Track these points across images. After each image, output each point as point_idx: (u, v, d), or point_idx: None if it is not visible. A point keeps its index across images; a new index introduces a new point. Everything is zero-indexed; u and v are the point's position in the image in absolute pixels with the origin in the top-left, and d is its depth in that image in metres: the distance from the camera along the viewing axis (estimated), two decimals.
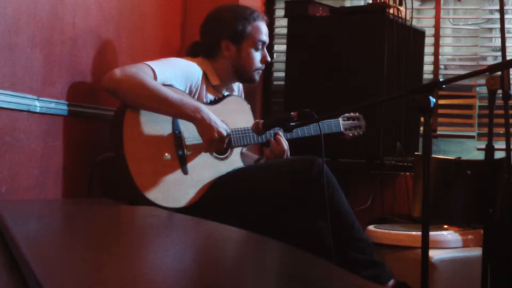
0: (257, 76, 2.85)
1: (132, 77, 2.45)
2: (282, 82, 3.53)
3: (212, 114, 2.54)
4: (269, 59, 2.85)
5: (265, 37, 2.82)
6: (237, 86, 2.97)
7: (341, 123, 2.88)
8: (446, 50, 3.99)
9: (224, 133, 2.54)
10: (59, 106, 2.55)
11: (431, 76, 3.65)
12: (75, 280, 1.04)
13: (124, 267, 1.16)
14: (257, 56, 2.81)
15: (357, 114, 2.94)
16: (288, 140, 2.80)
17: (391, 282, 2.62)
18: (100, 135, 2.77)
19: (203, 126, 2.51)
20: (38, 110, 2.43)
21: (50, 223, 1.86)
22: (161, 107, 2.48)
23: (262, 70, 2.87)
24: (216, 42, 2.79)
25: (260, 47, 2.81)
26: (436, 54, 3.66)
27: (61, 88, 2.58)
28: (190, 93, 2.65)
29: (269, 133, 2.69)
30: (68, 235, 1.59)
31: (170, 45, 3.42)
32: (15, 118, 2.34)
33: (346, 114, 2.91)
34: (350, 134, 2.90)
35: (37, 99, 2.43)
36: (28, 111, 2.39)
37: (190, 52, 2.86)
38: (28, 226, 1.71)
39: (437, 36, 3.66)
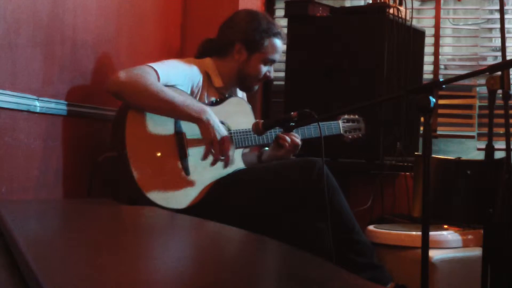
0: (256, 87, 2.86)
1: (136, 79, 2.45)
2: (282, 82, 3.53)
3: (215, 117, 2.53)
4: (272, 76, 2.86)
5: (277, 56, 2.82)
6: (241, 93, 2.98)
7: (341, 125, 2.88)
8: (446, 50, 3.99)
9: (226, 137, 2.54)
10: (59, 106, 2.55)
11: (431, 76, 3.65)
12: (75, 280, 1.04)
13: (125, 267, 1.16)
14: (263, 69, 2.81)
15: (357, 116, 2.94)
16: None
17: (391, 285, 2.62)
18: (100, 135, 2.77)
19: (207, 128, 2.51)
20: (38, 110, 2.43)
21: (50, 223, 1.86)
22: (165, 109, 2.49)
23: (261, 82, 2.88)
24: (230, 42, 2.79)
25: (269, 63, 2.81)
26: (436, 54, 3.66)
27: (61, 88, 2.58)
28: (191, 93, 2.65)
29: (272, 132, 2.69)
30: (68, 235, 1.59)
31: (170, 45, 3.42)
32: (15, 118, 2.34)
33: (346, 116, 2.91)
34: (350, 137, 2.90)
35: (37, 99, 2.43)
36: (28, 111, 2.39)
37: (201, 50, 2.85)
38: (28, 226, 1.70)
39: (437, 36, 3.66)
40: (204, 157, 2.53)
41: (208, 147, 2.53)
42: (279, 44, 2.81)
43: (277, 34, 2.80)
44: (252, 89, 2.86)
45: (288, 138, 2.73)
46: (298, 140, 2.75)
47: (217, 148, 2.52)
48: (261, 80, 2.85)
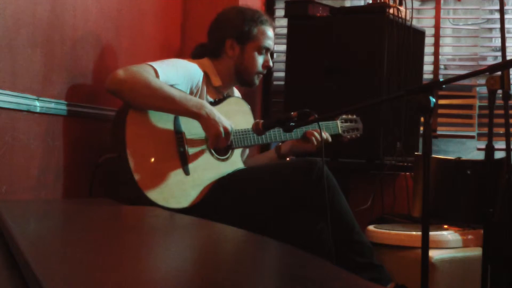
0: (257, 80, 2.85)
1: (135, 76, 2.45)
2: (282, 82, 3.53)
3: (216, 110, 2.54)
4: (271, 64, 2.85)
5: (269, 42, 2.81)
6: (237, 93, 2.98)
7: (339, 125, 2.89)
8: (446, 50, 4.00)
9: (230, 128, 2.54)
10: (58, 106, 2.55)
11: (431, 76, 3.65)
12: (75, 280, 1.04)
13: (125, 267, 1.16)
14: (259, 59, 2.81)
15: (355, 116, 2.95)
16: (287, 141, 2.80)
17: (391, 285, 2.61)
18: (100, 135, 2.77)
19: (208, 122, 2.51)
20: (38, 110, 2.43)
21: (50, 223, 1.86)
22: (165, 104, 2.48)
23: (262, 74, 2.87)
24: (221, 40, 2.79)
25: (264, 52, 2.81)
26: (436, 54, 3.66)
27: (61, 88, 2.58)
28: (191, 93, 2.65)
29: (272, 132, 2.69)
30: (69, 235, 1.59)
31: (170, 45, 3.42)
32: (15, 118, 2.34)
33: (344, 116, 2.92)
34: (348, 137, 2.91)
35: (37, 99, 2.43)
36: (28, 111, 2.39)
37: (195, 54, 2.86)
38: (28, 226, 1.70)
39: (437, 36, 3.66)
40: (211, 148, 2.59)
41: (214, 141, 2.53)
42: (269, 30, 2.81)
43: (264, 21, 2.80)
44: (253, 83, 2.85)
45: (316, 133, 2.75)
46: (324, 135, 2.75)
47: (223, 141, 2.53)
48: (262, 72, 2.84)
